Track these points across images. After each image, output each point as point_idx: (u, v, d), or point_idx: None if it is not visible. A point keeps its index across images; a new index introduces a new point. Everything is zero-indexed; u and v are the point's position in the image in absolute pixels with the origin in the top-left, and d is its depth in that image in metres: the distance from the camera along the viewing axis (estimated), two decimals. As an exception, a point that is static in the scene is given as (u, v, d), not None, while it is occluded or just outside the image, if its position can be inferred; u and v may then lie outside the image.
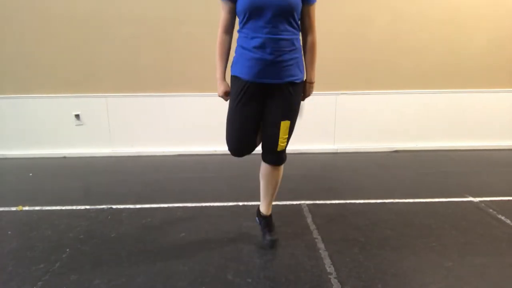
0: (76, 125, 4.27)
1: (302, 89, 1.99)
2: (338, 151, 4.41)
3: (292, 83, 1.88)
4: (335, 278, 1.84)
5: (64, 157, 4.30)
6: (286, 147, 1.98)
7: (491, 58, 4.27)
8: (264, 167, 2.07)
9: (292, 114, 1.93)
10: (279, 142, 1.92)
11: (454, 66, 4.28)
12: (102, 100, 4.22)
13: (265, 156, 2.02)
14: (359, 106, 4.33)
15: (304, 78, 2.00)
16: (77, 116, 4.24)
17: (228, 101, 1.99)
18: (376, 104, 4.32)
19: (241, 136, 1.95)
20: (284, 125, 1.90)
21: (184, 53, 4.14)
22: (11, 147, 4.29)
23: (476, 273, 1.87)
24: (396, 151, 4.40)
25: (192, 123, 4.32)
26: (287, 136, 1.94)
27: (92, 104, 4.22)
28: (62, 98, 4.20)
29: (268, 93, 1.89)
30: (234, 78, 1.93)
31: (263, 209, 2.21)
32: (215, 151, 4.35)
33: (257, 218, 2.29)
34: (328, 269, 1.91)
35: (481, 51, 4.25)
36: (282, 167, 2.07)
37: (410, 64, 4.26)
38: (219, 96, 2.01)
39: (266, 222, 2.20)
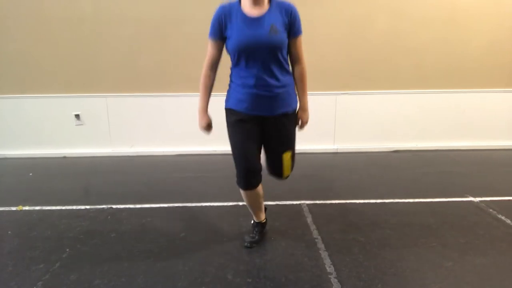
0: (76, 125, 4.27)
1: (296, 118, 2.05)
2: (338, 151, 4.41)
3: (285, 114, 1.95)
4: (335, 278, 1.84)
5: (64, 157, 4.30)
6: (291, 172, 2.11)
7: (491, 58, 4.27)
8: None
9: (291, 143, 2.03)
10: (284, 171, 2.06)
11: (454, 66, 4.28)
12: (102, 100, 4.22)
13: (270, 174, 2.12)
14: (359, 106, 4.33)
15: (298, 107, 2.06)
16: (77, 116, 4.24)
17: (229, 132, 2.00)
18: (376, 104, 4.32)
19: (249, 162, 1.93)
20: (286, 156, 2.00)
21: (184, 53, 4.14)
22: (11, 147, 4.29)
23: (476, 273, 1.87)
24: (396, 151, 4.40)
25: (192, 123, 4.29)
26: (291, 164, 2.06)
27: (92, 104, 4.22)
28: (62, 98, 4.20)
29: (263, 124, 1.95)
30: (229, 110, 1.99)
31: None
32: (215, 151, 4.35)
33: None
34: (328, 269, 1.91)
35: (481, 51, 4.25)
36: None
37: (410, 64, 4.26)
38: (201, 128, 2.04)
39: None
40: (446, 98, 4.34)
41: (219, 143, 4.34)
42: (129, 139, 4.34)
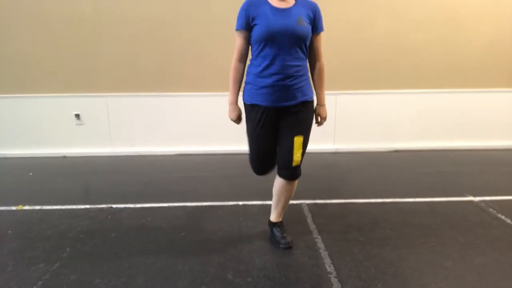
0: (76, 125, 4.27)
1: (312, 108, 2.09)
2: (338, 151, 4.41)
3: (304, 102, 2.00)
4: (335, 277, 1.84)
5: (64, 157, 4.30)
6: (301, 162, 2.04)
7: (491, 58, 4.27)
8: (278, 182, 2.13)
9: (304, 130, 2.02)
10: (294, 157, 2.00)
11: (454, 66, 4.28)
12: (102, 100, 4.22)
13: (281, 172, 2.08)
14: (359, 106, 4.33)
15: (315, 100, 2.10)
16: (77, 116, 4.24)
17: (247, 127, 2.07)
18: (376, 104, 4.32)
19: (265, 159, 2.08)
20: (298, 140, 1.99)
21: (183, 53, 4.14)
22: (11, 147, 4.29)
23: (476, 273, 1.87)
24: (396, 151, 4.40)
25: (192, 123, 4.32)
26: (301, 151, 2.01)
27: (92, 104, 4.22)
28: (62, 98, 4.20)
29: (282, 114, 2.00)
30: (251, 106, 2.02)
31: (274, 218, 2.28)
32: (215, 151, 4.35)
33: (269, 228, 2.30)
34: (328, 269, 1.91)
35: (481, 51, 4.25)
36: (296, 182, 2.12)
37: (410, 64, 4.26)
38: (231, 119, 2.09)
39: (279, 227, 2.25)
40: (446, 98, 4.34)
41: (219, 143, 4.35)
42: (129, 139, 4.34)
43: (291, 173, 2.04)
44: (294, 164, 2.01)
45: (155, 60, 4.16)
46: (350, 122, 4.36)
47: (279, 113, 1.99)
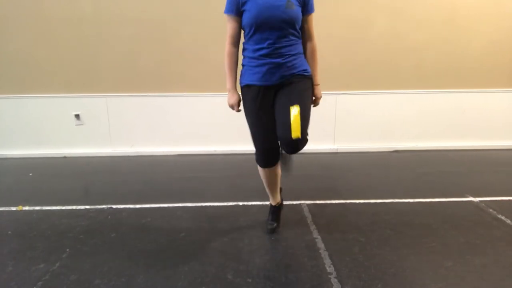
0: (76, 125, 4.27)
1: (311, 83, 2.07)
2: (338, 151, 4.41)
3: (299, 74, 1.99)
4: (335, 278, 1.84)
5: (64, 157, 4.30)
6: (303, 136, 1.91)
7: (491, 58, 4.27)
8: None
9: (301, 100, 1.95)
10: (292, 130, 1.86)
11: (454, 66, 4.28)
12: (102, 100, 4.22)
13: (284, 148, 2.01)
14: (359, 106, 4.33)
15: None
16: (77, 116, 4.24)
17: (245, 110, 2.06)
18: (376, 104, 4.32)
19: (267, 139, 2.02)
20: (294, 110, 1.88)
21: (184, 53, 4.14)
22: (11, 147, 4.29)
23: (476, 273, 1.87)
24: (396, 151, 4.40)
25: (192, 123, 4.32)
26: (299, 122, 1.87)
27: (92, 104, 4.22)
28: (62, 98, 4.20)
29: (278, 90, 1.99)
30: (246, 87, 2.02)
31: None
32: (215, 151, 4.35)
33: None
34: (328, 269, 1.91)
35: (481, 51, 4.25)
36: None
37: (410, 64, 4.26)
38: (230, 105, 2.09)
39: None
40: (446, 98, 4.34)
41: (220, 143, 4.36)
42: (129, 139, 4.34)
43: (293, 146, 1.92)
44: (293, 136, 1.85)
45: (155, 60, 4.16)
46: (350, 122, 4.36)
47: (274, 91, 1.98)
